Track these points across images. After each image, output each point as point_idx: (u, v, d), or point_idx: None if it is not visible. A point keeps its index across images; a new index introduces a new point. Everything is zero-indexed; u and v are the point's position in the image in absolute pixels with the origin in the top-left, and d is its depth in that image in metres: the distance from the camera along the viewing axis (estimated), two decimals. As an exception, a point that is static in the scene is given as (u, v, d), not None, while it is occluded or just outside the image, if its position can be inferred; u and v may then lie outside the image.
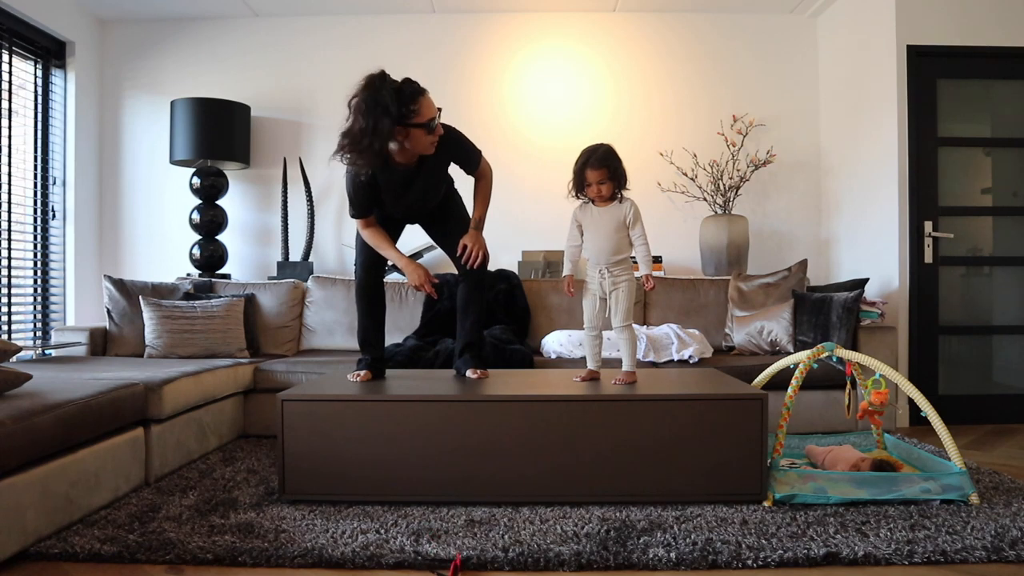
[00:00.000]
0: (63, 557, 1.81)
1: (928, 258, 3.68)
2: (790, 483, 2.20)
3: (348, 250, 4.49)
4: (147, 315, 3.49)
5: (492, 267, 3.90)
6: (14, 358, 2.92)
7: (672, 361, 3.30)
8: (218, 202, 4.28)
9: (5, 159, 3.80)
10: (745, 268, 4.18)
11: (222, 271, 4.32)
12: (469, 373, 2.63)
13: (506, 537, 1.91)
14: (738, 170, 4.32)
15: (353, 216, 2.53)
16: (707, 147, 4.42)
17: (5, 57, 3.80)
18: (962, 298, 3.79)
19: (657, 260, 4.23)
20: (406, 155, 2.39)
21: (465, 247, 2.52)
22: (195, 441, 2.80)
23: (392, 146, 2.33)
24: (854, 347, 3.31)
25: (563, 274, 2.55)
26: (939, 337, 3.71)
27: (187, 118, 4.09)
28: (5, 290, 3.81)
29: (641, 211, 2.46)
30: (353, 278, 2.91)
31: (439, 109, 2.35)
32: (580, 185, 2.45)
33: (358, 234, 2.60)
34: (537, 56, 4.54)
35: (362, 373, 2.55)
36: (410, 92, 2.27)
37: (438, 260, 4.26)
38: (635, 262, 2.50)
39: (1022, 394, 3.73)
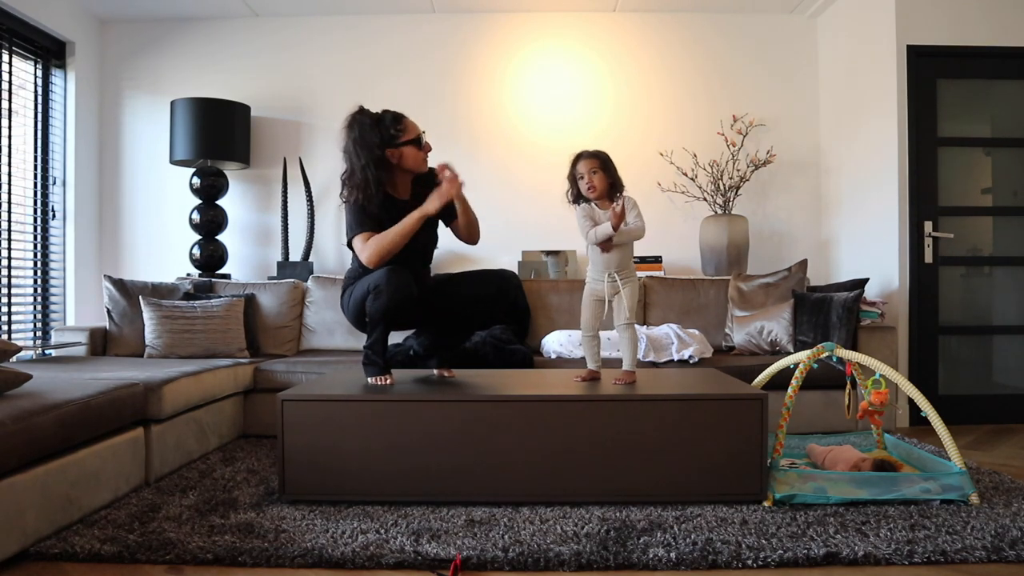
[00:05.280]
0: (63, 557, 1.81)
1: (928, 258, 3.67)
2: (790, 483, 2.20)
3: (348, 251, 4.48)
4: (147, 315, 3.49)
5: (491, 266, 3.90)
6: (14, 358, 2.91)
7: (672, 361, 3.31)
8: (218, 202, 4.28)
9: (5, 159, 3.80)
10: (745, 268, 4.18)
11: (222, 271, 4.32)
12: (439, 372, 2.70)
13: (506, 537, 1.91)
14: (738, 170, 4.32)
15: (361, 231, 2.40)
16: (707, 147, 4.42)
17: (5, 57, 3.80)
18: (962, 298, 3.79)
19: (657, 260, 4.23)
20: (403, 184, 2.53)
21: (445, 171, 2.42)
22: (195, 441, 2.80)
23: (391, 174, 2.46)
24: (854, 347, 3.31)
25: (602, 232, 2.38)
26: (939, 337, 3.71)
27: (187, 118, 4.09)
28: (5, 290, 3.81)
29: (641, 211, 2.45)
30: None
31: (423, 131, 2.50)
32: (577, 188, 2.47)
33: (354, 276, 2.53)
34: (537, 56, 4.53)
35: (389, 378, 2.45)
36: (391, 116, 2.44)
37: (442, 258, 4.25)
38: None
39: (1022, 394, 3.73)
